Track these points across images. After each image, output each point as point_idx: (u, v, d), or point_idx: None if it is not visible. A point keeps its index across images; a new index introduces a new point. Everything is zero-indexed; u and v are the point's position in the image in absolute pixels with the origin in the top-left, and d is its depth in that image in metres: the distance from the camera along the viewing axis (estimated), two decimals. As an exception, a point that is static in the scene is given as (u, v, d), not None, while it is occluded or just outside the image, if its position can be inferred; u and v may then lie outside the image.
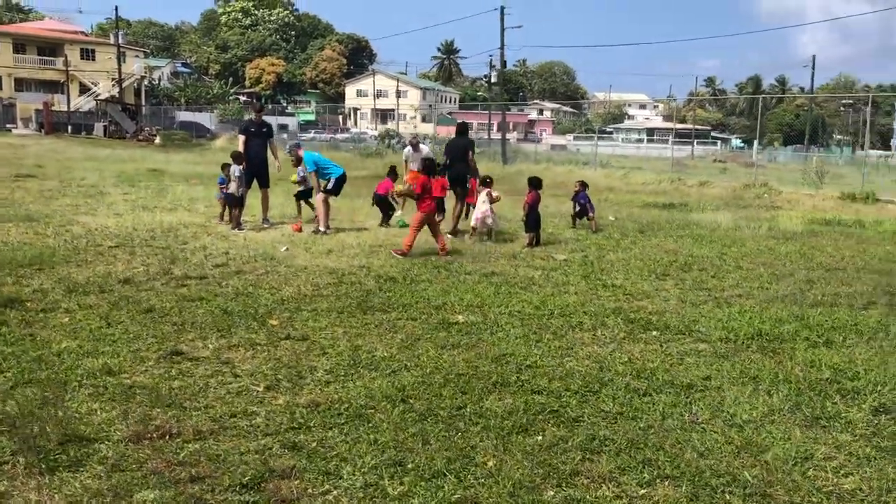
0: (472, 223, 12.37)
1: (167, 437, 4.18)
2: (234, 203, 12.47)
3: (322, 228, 12.26)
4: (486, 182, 12.66)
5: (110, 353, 5.64)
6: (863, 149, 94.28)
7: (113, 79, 64.84)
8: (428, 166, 11.33)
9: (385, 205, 13.98)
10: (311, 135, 68.35)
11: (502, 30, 40.97)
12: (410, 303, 7.53)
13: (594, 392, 5.10)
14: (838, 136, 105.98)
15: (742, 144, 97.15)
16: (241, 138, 13.65)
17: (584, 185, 14.45)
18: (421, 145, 15.47)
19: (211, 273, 8.75)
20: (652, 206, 18.90)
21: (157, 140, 47.60)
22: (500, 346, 6.11)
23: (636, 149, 77.74)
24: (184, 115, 67.94)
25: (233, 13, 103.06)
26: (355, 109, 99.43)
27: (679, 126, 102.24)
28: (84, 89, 66.10)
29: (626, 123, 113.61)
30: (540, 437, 4.30)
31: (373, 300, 7.62)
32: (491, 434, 4.32)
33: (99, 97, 63.77)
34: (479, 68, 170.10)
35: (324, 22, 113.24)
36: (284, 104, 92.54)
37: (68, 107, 59.02)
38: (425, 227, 10.73)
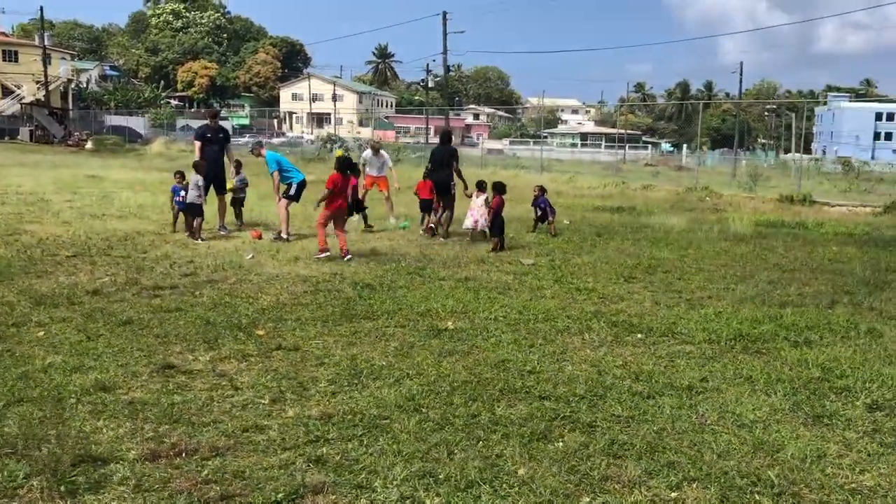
0: (468, 225, 12.67)
1: (183, 454, 4.05)
2: (195, 212, 12.15)
3: (284, 235, 12.08)
4: (482, 186, 12.87)
5: (99, 368, 5.44)
6: (787, 153, 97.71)
7: (38, 81, 62.64)
8: (342, 164, 11.02)
9: (358, 206, 13.83)
10: (246, 139, 67.28)
11: (445, 34, 41.12)
12: (394, 310, 7.48)
13: (599, 396, 5.14)
14: (762, 141, 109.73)
15: (671, 148, 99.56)
16: (198, 144, 13.35)
17: (542, 189, 14.61)
18: (382, 151, 15.34)
19: (181, 283, 8.53)
20: (601, 209, 19.17)
21: (89, 145, 46.21)
22: (496, 352, 6.11)
23: (570, 153, 78.86)
24: (114, 120, 66.15)
25: (163, 15, 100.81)
26: (290, 113, 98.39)
27: (612, 130, 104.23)
28: (7, 92, 63.68)
29: (560, 128, 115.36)
30: (561, 444, 4.31)
31: (355, 308, 7.54)
32: (512, 442, 4.31)
33: (23, 100, 61.51)
34: (415, 73, 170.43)
35: (256, 25, 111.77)
36: (218, 108, 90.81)
37: (-9, 110, 56.85)
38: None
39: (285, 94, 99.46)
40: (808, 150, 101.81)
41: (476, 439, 4.33)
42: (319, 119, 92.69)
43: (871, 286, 9.53)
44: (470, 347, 6.25)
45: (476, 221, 12.61)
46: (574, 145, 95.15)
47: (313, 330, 6.70)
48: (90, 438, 4.21)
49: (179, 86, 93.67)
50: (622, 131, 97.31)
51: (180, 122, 72.65)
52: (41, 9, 63.50)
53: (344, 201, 10.89)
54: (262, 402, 4.89)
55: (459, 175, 13.49)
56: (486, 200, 12.57)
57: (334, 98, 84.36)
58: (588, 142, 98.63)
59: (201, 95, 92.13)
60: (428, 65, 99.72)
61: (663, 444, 4.37)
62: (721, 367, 5.94)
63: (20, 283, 8.22)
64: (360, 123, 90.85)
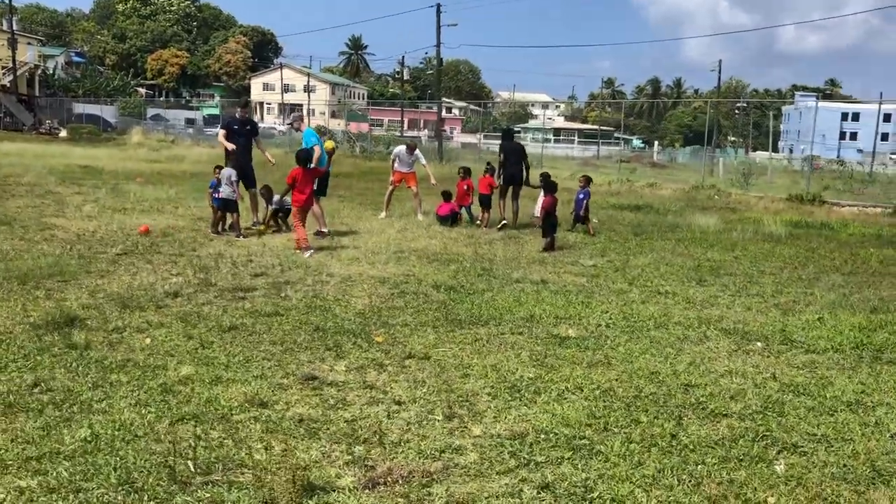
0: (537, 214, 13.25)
1: (400, 480, 3.74)
2: (230, 208, 11.70)
3: (323, 230, 11.68)
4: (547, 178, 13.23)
5: (239, 380, 5.08)
6: (754, 150, 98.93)
7: (3, 67, 60.73)
8: (301, 158, 10.76)
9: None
10: (217, 129, 66.21)
11: (438, 27, 40.68)
12: (495, 315, 7.19)
13: (778, 413, 4.92)
14: (732, 138, 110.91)
15: (643, 145, 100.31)
16: (222, 132, 12.93)
17: (588, 180, 14.40)
18: (417, 151, 15.02)
19: (256, 284, 8.14)
20: (618, 207, 19.04)
21: (63, 134, 44.90)
22: (636, 363, 5.87)
23: (542, 148, 78.91)
24: (82, 108, 64.31)
25: (130, 2, 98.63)
26: (261, 103, 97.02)
27: (584, 126, 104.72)
28: (-29, 78, 61.69)
29: (532, 123, 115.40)
30: (781, 467, 4.09)
31: (455, 312, 7.23)
32: (732, 464, 4.07)
33: (-10, 86, 59.59)
34: (387, 65, 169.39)
35: (225, 13, 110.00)
36: (188, 97, 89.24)
37: (-46, 97, 54.99)
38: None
39: (256, 83, 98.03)
40: (775, 149, 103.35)
41: (694, 463, 4.08)
42: (291, 110, 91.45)
43: (944, 291, 9.47)
44: (605, 357, 5.99)
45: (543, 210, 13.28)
46: (547, 140, 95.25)
47: (430, 336, 6.39)
48: (290, 463, 3.87)
49: (149, 74, 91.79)
50: (594, 127, 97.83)
51: (151, 111, 71.13)
52: (8, -8, 61.45)
53: (310, 196, 10.70)
54: (437, 418, 4.59)
55: (528, 170, 14.21)
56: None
57: (308, 89, 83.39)
58: (561, 137, 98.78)
59: (172, 84, 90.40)
60: (403, 57, 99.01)
61: (881, 466, 4.16)
62: (871, 379, 5.76)
63: (88, 284, 7.78)
64: (333, 115, 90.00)
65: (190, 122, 71.52)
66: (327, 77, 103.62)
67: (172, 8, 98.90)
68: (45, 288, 7.50)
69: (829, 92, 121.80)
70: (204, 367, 5.31)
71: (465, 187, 14.36)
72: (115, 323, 6.37)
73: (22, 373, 5.05)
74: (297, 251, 10.21)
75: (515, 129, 78.50)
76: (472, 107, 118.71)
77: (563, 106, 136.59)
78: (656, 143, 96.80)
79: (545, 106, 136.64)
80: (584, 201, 13.96)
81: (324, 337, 6.24)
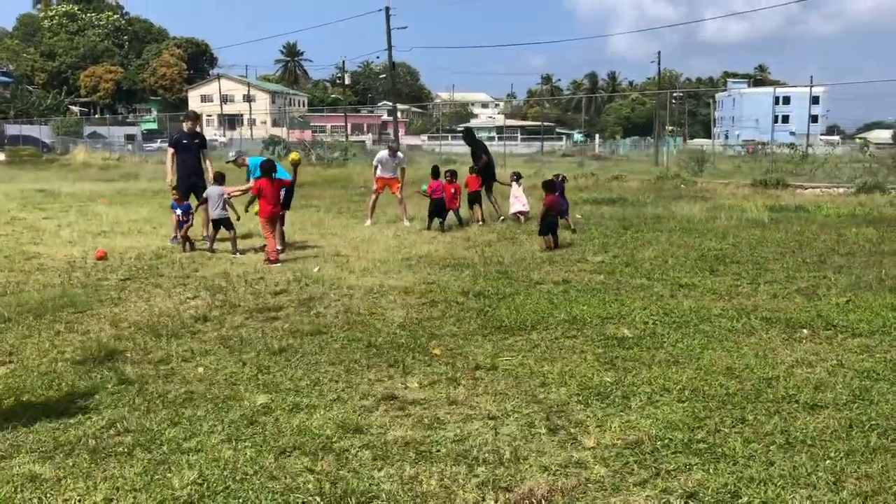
0: (521, 209, 14.56)
1: (543, 502, 3.60)
2: (226, 226, 11.33)
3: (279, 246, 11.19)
4: (518, 177, 14.62)
5: (319, 406, 4.88)
6: (691, 139, 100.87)
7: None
8: (265, 168, 10.65)
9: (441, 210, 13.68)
10: (158, 144, 64.57)
11: (389, 31, 40.43)
12: (538, 319, 7.08)
13: (871, 401, 4.91)
14: (670, 128, 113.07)
15: (584, 138, 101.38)
16: (170, 151, 12.53)
17: (563, 178, 14.39)
18: (399, 153, 14.84)
19: (281, 302, 7.88)
20: (593, 202, 19.12)
21: (1, 157, 43.31)
22: (704, 360, 5.82)
23: (489, 146, 79.14)
24: (17, 129, 62.16)
25: (56, 18, 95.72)
26: (198, 115, 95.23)
27: (526, 123, 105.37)
28: None
29: (474, 122, 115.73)
30: (904, 455, 4.07)
31: (499, 319, 7.10)
32: (859, 457, 4.04)
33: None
34: (325, 71, 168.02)
35: (156, 26, 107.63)
36: (125, 113, 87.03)
37: None
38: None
39: (194, 95, 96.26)
40: (709, 136, 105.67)
41: (822, 458, 4.03)
42: (231, 120, 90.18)
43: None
44: (671, 356, 5.93)
45: (524, 208, 14.62)
46: (491, 138, 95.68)
47: (486, 345, 6.26)
48: (422, 490, 3.70)
49: (83, 91, 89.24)
50: (537, 123, 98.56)
51: (88, 129, 69.17)
52: (-69, 13, 59.01)
53: (276, 206, 10.55)
54: (540, 431, 4.45)
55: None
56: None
57: (249, 99, 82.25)
58: (505, 135, 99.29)
59: (107, 101, 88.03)
60: (344, 62, 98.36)
61: None
62: (933, 359, 5.82)
63: (105, 314, 7.44)
64: (274, 124, 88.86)
65: (130, 137, 69.75)
66: (267, 86, 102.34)
67: (101, 22, 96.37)
68: (62, 321, 7.14)
69: (759, 77, 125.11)
70: (275, 395, 5.09)
71: (453, 191, 14.23)
72: (156, 353, 6.08)
73: (88, 414, 4.76)
74: (266, 263, 10.07)
75: (458, 128, 78.72)
76: (413, 109, 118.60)
77: (502, 104, 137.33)
78: (597, 136, 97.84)
79: (485, 105, 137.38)
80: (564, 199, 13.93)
81: (380, 353, 6.05)
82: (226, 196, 11.37)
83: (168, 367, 5.74)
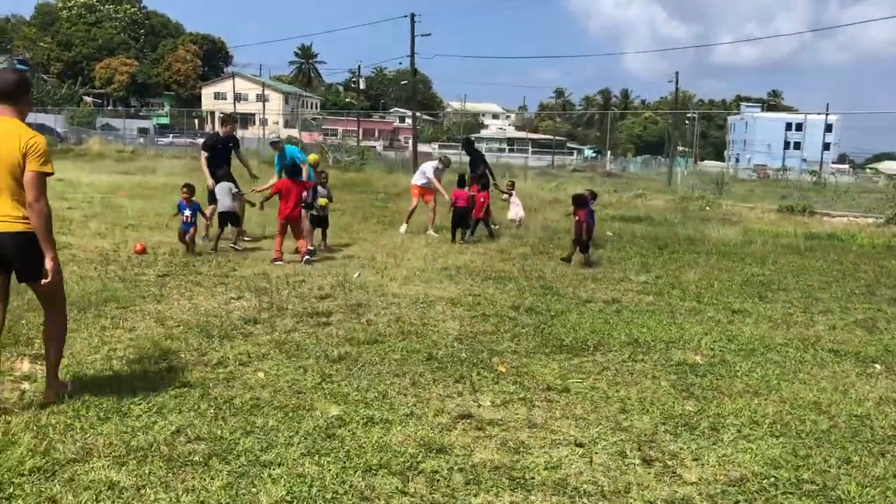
0: (510, 217, 15.48)
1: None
2: (235, 221, 11.30)
3: (311, 247, 11.00)
4: (513, 185, 15.60)
5: (394, 421, 4.65)
6: (702, 160, 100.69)
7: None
8: (289, 169, 10.74)
9: (465, 219, 13.21)
10: (170, 139, 64.50)
11: (413, 37, 40.38)
12: (598, 340, 6.85)
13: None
14: (681, 148, 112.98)
15: (594, 154, 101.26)
16: (204, 155, 12.19)
17: (594, 195, 14.08)
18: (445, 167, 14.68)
19: (330, 308, 7.66)
20: (620, 219, 18.93)
21: (16, 144, 43.00)
22: (784, 392, 5.60)
23: (496, 157, 79.25)
24: (32, 118, 61.69)
25: (74, 8, 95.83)
26: (212, 113, 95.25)
27: (537, 136, 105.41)
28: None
29: (484, 133, 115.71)
30: None
31: (558, 337, 6.88)
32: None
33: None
34: (339, 74, 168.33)
35: (173, 21, 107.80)
36: (138, 107, 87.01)
37: None
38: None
39: (207, 92, 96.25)
40: (720, 158, 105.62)
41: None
42: (244, 119, 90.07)
43: None
44: (748, 386, 5.71)
45: (520, 216, 15.41)
46: (502, 150, 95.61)
47: (552, 365, 6.03)
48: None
49: (97, 83, 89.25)
50: (549, 137, 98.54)
51: (100, 121, 69.11)
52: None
53: (295, 209, 10.39)
54: (634, 462, 4.23)
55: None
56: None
57: (263, 98, 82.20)
58: (515, 147, 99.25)
59: (121, 93, 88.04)
60: (359, 67, 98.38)
61: None
62: None
63: (150, 311, 7.22)
64: (286, 125, 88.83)
65: (143, 131, 69.77)
66: (280, 86, 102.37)
67: (118, 15, 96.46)
68: (107, 316, 6.93)
69: (773, 102, 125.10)
70: (345, 406, 4.86)
71: (482, 199, 14.01)
72: (211, 355, 5.86)
73: (153, 418, 4.53)
74: (274, 262, 10.09)
75: (475, 137, 78.69)
76: (425, 116, 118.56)
77: (513, 116, 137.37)
78: (608, 152, 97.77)
79: (496, 116, 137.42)
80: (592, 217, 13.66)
81: (442, 367, 5.83)
82: (239, 192, 11.34)
83: (226, 371, 5.52)
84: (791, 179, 52.03)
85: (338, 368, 5.69)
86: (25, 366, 5.50)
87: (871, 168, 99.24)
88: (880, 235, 17.09)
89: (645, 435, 4.62)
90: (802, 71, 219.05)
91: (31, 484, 3.62)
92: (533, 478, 3.96)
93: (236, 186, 11.53)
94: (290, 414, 4.70)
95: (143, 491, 3.62)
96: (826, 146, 72.68)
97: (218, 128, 12.90)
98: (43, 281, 4.42)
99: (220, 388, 5.15)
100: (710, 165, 74.02)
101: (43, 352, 4.99)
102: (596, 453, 4.33)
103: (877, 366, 6.49)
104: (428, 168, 14.35)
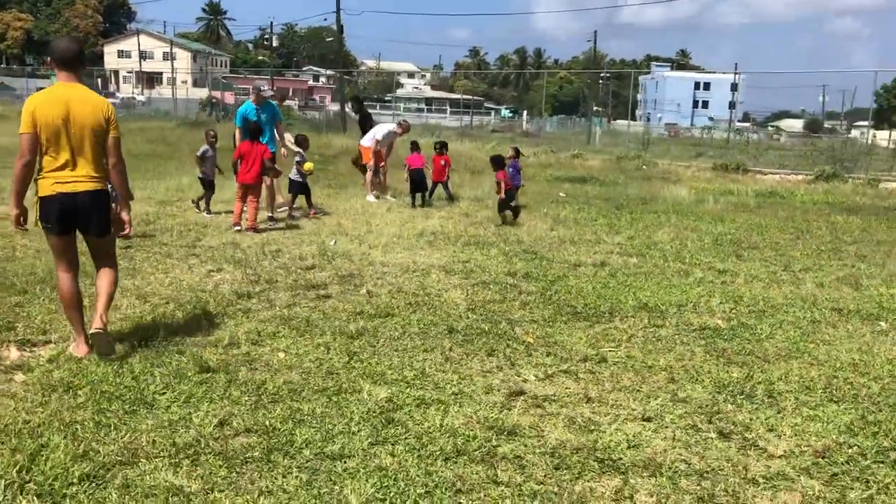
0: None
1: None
2: (205, 185, 10.78)
3: (270, 214, 10.59)
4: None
5: (446, 402, 4.36)
6: (615, 119, 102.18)
7: None
8: (253, 130, 10.00)
9: (422, 182, 12.78)
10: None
11: (337, -7, 39.03)
12: (610, 307, 6.67)
13: None
14: (596, 108, 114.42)
15: (512, 114, 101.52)
16: (237, 128, 11.24)
17: (517, 152, 13.83)
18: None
19: (321, 279, 7.25)
20: (565, 180, 18.90)
21: None
22: (814, 354, 5.54)
23: (417, 117, 78.52)
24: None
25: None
26: (116, 72, 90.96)
27: (456, 96, 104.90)
28: None
29: (400, 92, 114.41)
30: None
31: (570, 305, 6.68)
32: None
33: None
34: (248, 32, 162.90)
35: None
36: (35, 65, 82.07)
37: None
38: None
39: (110, 50, 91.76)
40: (633, 117, 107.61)
41: None
42: (150, 78, 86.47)
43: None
44: (779, 349, 5.63)
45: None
46: (420, 110, 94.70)
47: (576, 333, 5.83)
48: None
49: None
50: (467, 97, 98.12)
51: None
52: None
53: (253, 173, 9.78)
54: (709, 435, 4.06)
55: None
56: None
57: (171, 57, 78.76)
58: (433, 107, 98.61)
59: (16, 50, 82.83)
60: (272, 23, 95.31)
61: None
62: None
63: (127, 286, 6.65)
64: (195, 84, 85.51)
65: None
66: (189, 44, 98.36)
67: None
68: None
69: (682, 62, 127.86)
70: (389, 387, 4.53)
71: (442, 163, 13.65)
72: (218, 335, 5.41)
73: (185, 409, 4.11)
74: (233, 228, 9.73)
75: (386, 97, 77.36)
76: (338, 74, 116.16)
77: (429, 75, 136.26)
78: (525, 112, 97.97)
79: (411, 75, 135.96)
80: (518, 175, 13.45)
81: (469, 341, 5.55)
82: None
83: (242, 352, 5.10)
84: (704, 138, 53.53)
85: (360, 345, 5.33)
86: (13, 353, 4.95)
87: (772, 126, 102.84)
88: (815, 192, 17.59)
89: (707, 406, 4.47)
90: (705, 32, 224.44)
91: (86, 493, 3.18)
92: (620, 458, 3.75)
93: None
94: (335, 398, 4.34)
95: (212, 496, 3.23)
96: (732, 105, 74.81)
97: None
98: (122, 232, 5.16)
99: (243, 371, 4.73)
100: (623, 125, 75.19)
101: (29, 338, 5.19)
102: (667, 427, 4.15)
103: (882, 324, 6.54)
104: (381, 130, 13.84)
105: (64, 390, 4.27)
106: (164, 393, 4.31)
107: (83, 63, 4.83)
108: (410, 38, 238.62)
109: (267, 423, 3.96)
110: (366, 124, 14.90)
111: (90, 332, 4.82)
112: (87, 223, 4.82)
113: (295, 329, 5.65)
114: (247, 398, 4.30)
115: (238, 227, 9.64)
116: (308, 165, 11.13)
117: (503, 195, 11.37)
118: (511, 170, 13.24)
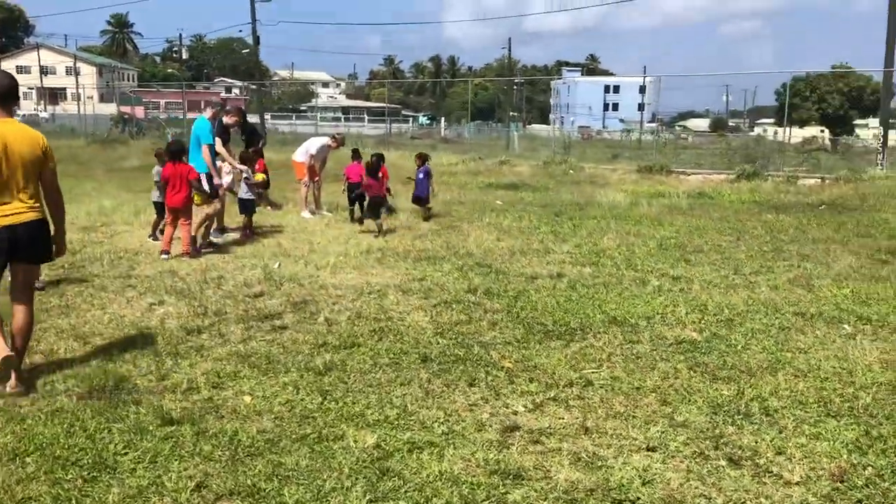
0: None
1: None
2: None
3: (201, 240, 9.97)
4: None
5: (437, 444, 4.05)
6: (530, 124, 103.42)
7: None
8: (173, 150, 9.37)
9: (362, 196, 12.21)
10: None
11: (252, 2, 38.04)
12: (579, 322, 6.47)
13: None
14: (512, 113, 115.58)
15: (430, 121, 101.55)
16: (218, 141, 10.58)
17: (424, 158, 13.67)
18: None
19: (273, 308, 6.82)
20: (498, 186, 18.78)
21: None
22: (795, 364, 5.46)
23: (334, 127, 77.57)
24: None
25: None
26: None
27: (371, 104, 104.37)
28: None
29: (316, 101, 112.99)
30: None
31: (539, 322, 6.45)
32: None
33: None
34: (154, 45, 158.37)
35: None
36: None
37: None
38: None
39: (8, 66, 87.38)
40: (546, 121, 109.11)
41: None
42: (53, 94, 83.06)
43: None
44: (759, 361, 5.52)
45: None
46: (337, 119, 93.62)
47: (553, 355, 5.60)
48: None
49: None
50: (383, 105, 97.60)
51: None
52: None
53: (181, 196, 9.11)
54: (719, 463, 3.87)
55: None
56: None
57: (75, 72, 75.89)
58: (350, 115, 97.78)
59: None
60: (181, 36, 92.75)
61: None
62: None
63: (62, 326, 6.14)
64: (102, 99, 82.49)
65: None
66: (93, 58, 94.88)
67: None
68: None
69: (591, 66, 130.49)
70: (370, 430, 4.19)
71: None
72: (173, 378, 4.97)
73: (153, 471, 3.68)
74: (162, 255, 9.07)
75: (301, 107, 76.06)
76: (252, 86, 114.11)
77: (344, 84, 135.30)
78: (443, 119, 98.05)
79: (326, 84, 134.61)
80: (427, 181, 13.25)
81: (445, 370, 5.24)
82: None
83: (203, 398, 4.67)
84: (623, 140, 54.58)
85: (331, 382, 4.97)
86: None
87: (679, 125, 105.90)
88: (741, 191, 17.95)
89: (707, 430, 4.28)
90: (614, 36, 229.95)
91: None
92: (638, 498, 3.51)
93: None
94: (317, 447, 3.98)
95: (206, 579, 2.84)
96: (640, 106, 76.71)
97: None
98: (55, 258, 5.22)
99: (210, 420, 4.32)
100: (538, 129, 76.06)
101: None
102: (675, 458, 3.95)
103: (846, 327, 6.53)
104: (314, 144, 13.41)
105: (9, 458, 3.78)
106: (125, 453, 3.86)
107: (17, 98, 4.87)
108: (323, 47, 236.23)
109: (249, 482, 3.57)
110: (252, 137, 13.91)
111: None
112: (29, 252, 4.80)
113: (256, 367, 5.24)
114: (220, 453, 3.89)
115: (167, 255, 9.02)
116: (259, 177, 10.71)
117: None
118: (421, 175, 13.09)
